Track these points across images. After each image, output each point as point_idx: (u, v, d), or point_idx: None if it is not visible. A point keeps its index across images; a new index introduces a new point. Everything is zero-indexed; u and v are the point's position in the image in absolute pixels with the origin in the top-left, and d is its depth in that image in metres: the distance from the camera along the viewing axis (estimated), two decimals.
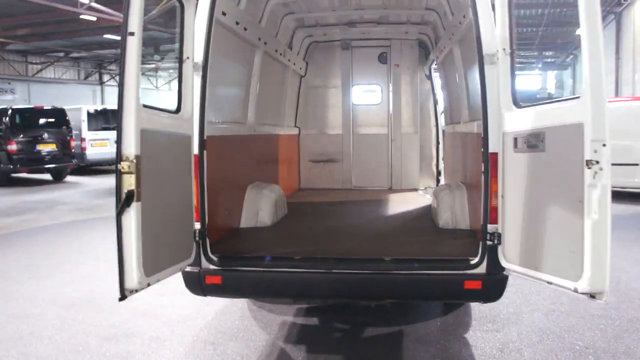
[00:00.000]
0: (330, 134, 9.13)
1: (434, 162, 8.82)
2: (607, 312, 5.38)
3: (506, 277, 3.84)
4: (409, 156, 8.90)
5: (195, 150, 4.06)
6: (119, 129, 3.15)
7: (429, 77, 8.78)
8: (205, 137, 4.17)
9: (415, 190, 8.67)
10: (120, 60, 3.13)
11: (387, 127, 8.95)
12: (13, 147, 16.28)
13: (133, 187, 3.14)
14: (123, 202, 3.12)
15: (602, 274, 2.91)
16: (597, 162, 2.88)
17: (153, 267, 3.38)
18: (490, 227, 3.79)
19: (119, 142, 3.14)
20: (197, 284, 4.16)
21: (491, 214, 3.78)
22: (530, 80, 43.81)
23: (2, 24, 25.56)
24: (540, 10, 23.02)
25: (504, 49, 3.63)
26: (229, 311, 5.56)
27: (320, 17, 7.55)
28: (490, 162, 3.74)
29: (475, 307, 5.54)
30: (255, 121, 6.23)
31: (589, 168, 2.89)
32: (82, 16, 20.89)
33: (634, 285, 6.24)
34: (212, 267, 4.14)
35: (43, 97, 33.82)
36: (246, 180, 5.77)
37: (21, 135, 16.63)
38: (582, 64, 2.91)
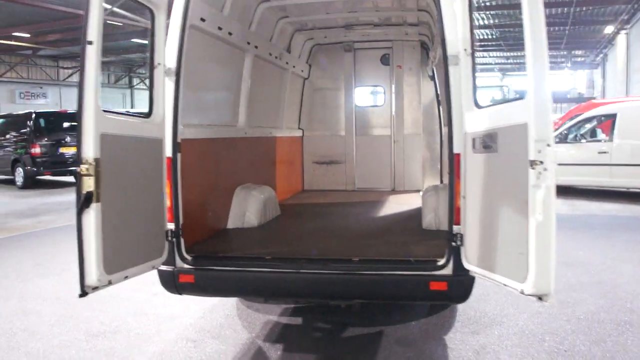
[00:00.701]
0: (333, 135, 9.18)
1: (439, 163, 8.77)
2: (596, 315, 5.30)
3: (473, 279, 3.83)
4: (412, 158, 8.88)
5: (168, 153, 4.17)
6: (78, 134, 3.27)
7: (432, 78, 8.72)
8: (179, 140, 4.27)
9: (418, 191, 8.64)
10: (79, 67, 3.25)
11: (390, 128, 8.96)
12: (37, 150, 16.81)
13: (92, 188, 3.26)
14: (82, 203, 3.24)
15: (546, 276, 2.89)
16: (541, 163, 2.86)
17: (116, 265, 3.50)
18: (455, 228, 3.80)
19: (78, 146, 3.27)
20: (171, 283, 4.27)
21: (456, 215, 3.78)
22: (560, 80, 42.93)
23: (33, 30, 26.45)
24: (566, 9, 22.59)
25: (465, 50, 3.63)
26: (217, 310, 5.65)
27: (317, 20, 7.60)
28: (455, 162, 3.75)
29: (462, 309, 5.51)
30: (247, 124, 6.32)
31: (533, 168, 2.87)
32: (107, 22, 21.45)
33: (629, 289, 6.11)
34: (186, 266, 4.25)
35: (74, 101, 34.70)
36: (235, 182, 5.86)
37: (45, 139, 17.16)
38: (527, 64, 2.89)
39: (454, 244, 3.77)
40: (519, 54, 35.39)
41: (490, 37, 29.19)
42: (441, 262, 3.88)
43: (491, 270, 3.37)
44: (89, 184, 3.25)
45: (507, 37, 29.13)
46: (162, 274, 4.26)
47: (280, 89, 7.85)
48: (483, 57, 37.26)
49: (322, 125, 9.19)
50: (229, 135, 5.89)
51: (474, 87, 3.63)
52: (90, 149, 3.26)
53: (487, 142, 3.37)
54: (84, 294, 3.33)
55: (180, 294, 4.41)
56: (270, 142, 7.47)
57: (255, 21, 6.24)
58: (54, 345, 4.89)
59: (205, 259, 4.35)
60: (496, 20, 25.14)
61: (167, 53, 4.18)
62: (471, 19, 3.60)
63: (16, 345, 4.92)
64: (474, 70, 3.64)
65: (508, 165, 3.18)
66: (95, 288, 3.37)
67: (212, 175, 5.34)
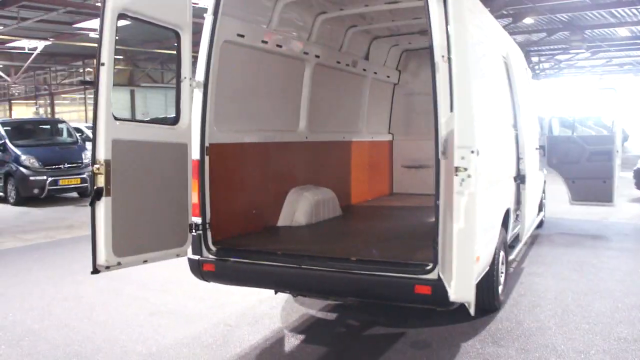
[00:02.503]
0: (423, 140, 9.21)
1: None
2: None
3: None
4: None
5: (196, 156, 4.72)
6: (93, 139, 3.93)
7: None
8: (207, 145, 4.81)
9: None
10: (94, 85, 3.90)
11: None
12: None
13: (102, 184, 3.89)
14: (94, 196, 3.89)
15: (466, 283, 2.90)
16: (465, 169, 2.88)
17: (129, 249, 4.10)
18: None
19: (93, 149, 3.92)
20: (196, 270, 4.83)
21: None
22: None
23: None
24: None
25: (442, 57, 3.68)
26: (268, 301, 6.03)
27: (388, 27, 7.71)
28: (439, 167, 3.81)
29: (499, 317, 5.37)
30: (309, 129, 6.71)
31: (457, 175, 2.90)
32: None
33: None
34: (210, 256, 4.78)
35: None
36: (292, 183, 6.28)
37: None
38: (452, 75, 2.93)
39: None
40: None
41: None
42: (429, 266, 3.94)
43: (443, 276, 3.41)
44: (100, 181, 3.89)
45: None
46: (190, 262, 4.84)
47: (357, 95, 8.11)
48: (620, 57, 32.98)
49: (412, 130, 9.28)
50: (284, 139, 6.30)
51: (451, 93, 3.65)
52: (101, 152, 3.89)
53: (444, 148, 3.41)
54: (95, 271, 3.99)
55: (206, 281, 4.95)
56: (343, 147, 7.76)
57: (315, 32, 6.57)
58: (115, 318, 5.71)
59: (227, 250, 4.84)
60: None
61: (198, 67, 4.75)
62: (447, 23, 3.63)
63: (88, 315, 5.83)
64: (450, 76, 3.66)
65: (450, 171, 3.21)
66: (107, 267, 4.01)
67: (259, 176, 5.80)
